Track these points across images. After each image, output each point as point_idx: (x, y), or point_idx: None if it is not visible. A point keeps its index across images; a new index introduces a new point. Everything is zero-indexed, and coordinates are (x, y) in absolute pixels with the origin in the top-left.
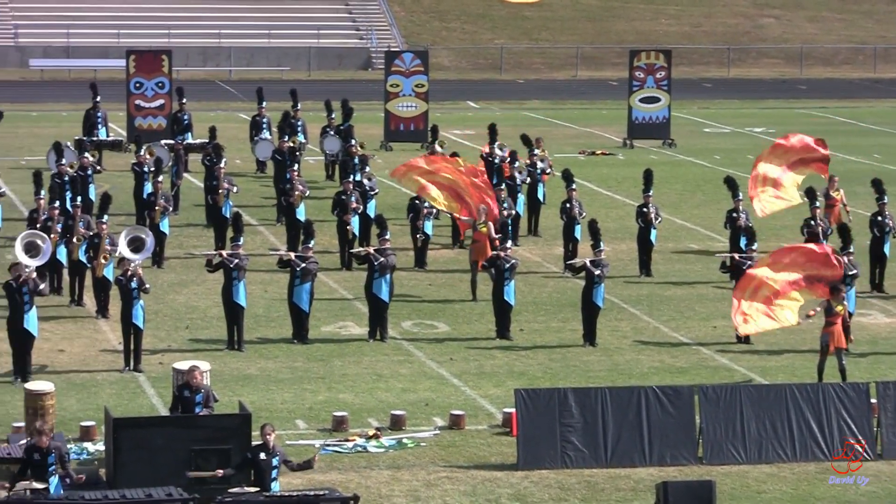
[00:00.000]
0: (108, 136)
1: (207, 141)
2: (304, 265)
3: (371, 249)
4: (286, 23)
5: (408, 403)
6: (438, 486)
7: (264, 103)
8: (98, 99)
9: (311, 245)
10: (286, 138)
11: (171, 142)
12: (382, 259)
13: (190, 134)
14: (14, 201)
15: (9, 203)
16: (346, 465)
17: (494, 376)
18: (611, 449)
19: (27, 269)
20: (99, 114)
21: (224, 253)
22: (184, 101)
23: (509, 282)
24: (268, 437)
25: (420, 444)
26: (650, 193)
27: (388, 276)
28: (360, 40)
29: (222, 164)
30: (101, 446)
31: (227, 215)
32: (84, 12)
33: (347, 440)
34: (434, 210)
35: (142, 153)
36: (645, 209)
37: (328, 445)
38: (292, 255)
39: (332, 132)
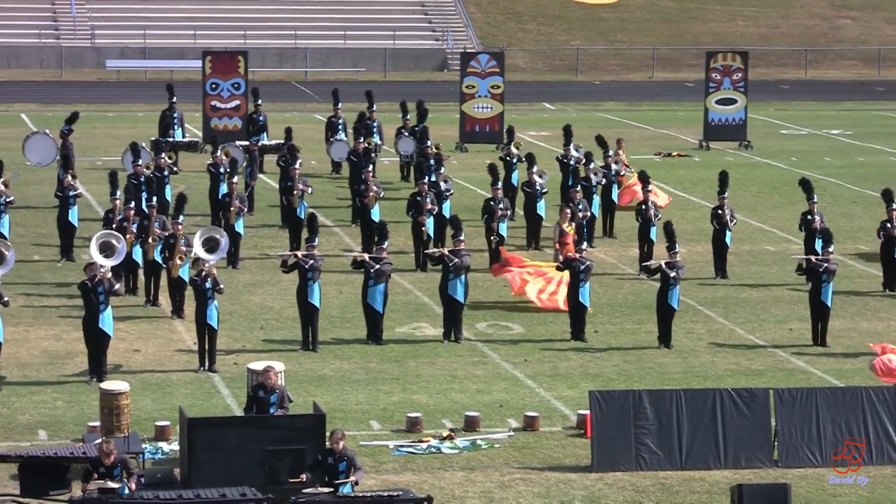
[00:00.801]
0: (183, 136)
1: (283, 142)
2: (377, 266)
3: (445, 251)
4: (362, 24)
5: (482, 405)
6: (512, 488)
7: (340, 104)
8: (174, 100)
9: (384, 246)
10: (361, 139)
11: (246, 143)
12: (457, 260)
13: (265, 135)
14: (90, 201)
15: (85, 203)
16: (420, 466)
17: (569, 378)
18: (685, 451)
19: (102, 269)
20: (175, 115)
21: (299, 254)
22: (259, 102)
23: (584, 284)
24: (336, 444)
25: (494, 446)
26: (725, 195)
27: (462, 278)
28: (436, 41)
29: (297, 166)
30: (175, 446)
31: (302, 216)
32: (161, 13)
33: (421, 441)
34: (509, 211)
35: (217, 154)
36: (720, 211)
37: (402, 446)
38: (366, 256)
39: (406, 133)
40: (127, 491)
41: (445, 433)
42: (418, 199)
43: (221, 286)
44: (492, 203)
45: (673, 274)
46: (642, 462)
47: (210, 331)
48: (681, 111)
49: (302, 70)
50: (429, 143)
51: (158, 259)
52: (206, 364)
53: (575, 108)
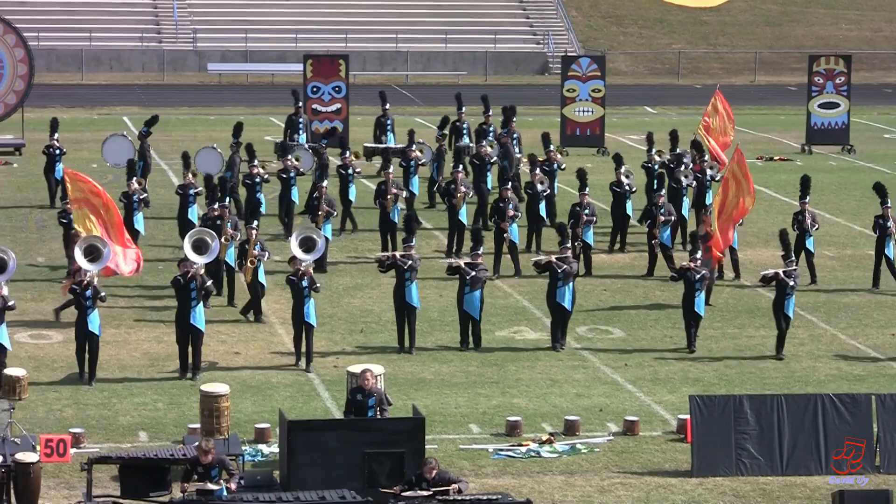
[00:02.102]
0: (307, 140)
1: (407, 145)
2: (473, 273)
3: (553, 258)
4: (463, 27)
5: (582, 409)
6: (612, 492)
7: (388, 105)
8: (300, 104)
9: (480, 252)
10: (479, 143)
11: (315, 145)
12: (566, 267)
13: (392, 137)
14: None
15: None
16: (520, 469)
17: (669, 382)
18: (786, 456)
19: (195, 266)
20: (300, 119)
21: (397, 254)
22: (387, 106)
23: (700, 293)
24: (429, 473)
25: (594, 450)
26: (807, 200)
27: (571, 285)
28: (537, 45)
29: (390, 169)
30: (275, 448)
31: (396, 220)
32: (262, 17)
33: (521, 445)
34: (594, 218)
35: (289, 159)
36: (800, 216)
37: (502, 450)
38: (462, 262)
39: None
40: (226, 493)
41: (545, 437)
42: (500, 205)
43: (318, 285)
44: (577, 208)
45: (791, 283)
46: (743, 467)
47: (308, 328)
48: (783, 115)
49: (402, 73)
50: (486, 142)
51: (230, 261)
52: (305, 363)
53: (676, 111)
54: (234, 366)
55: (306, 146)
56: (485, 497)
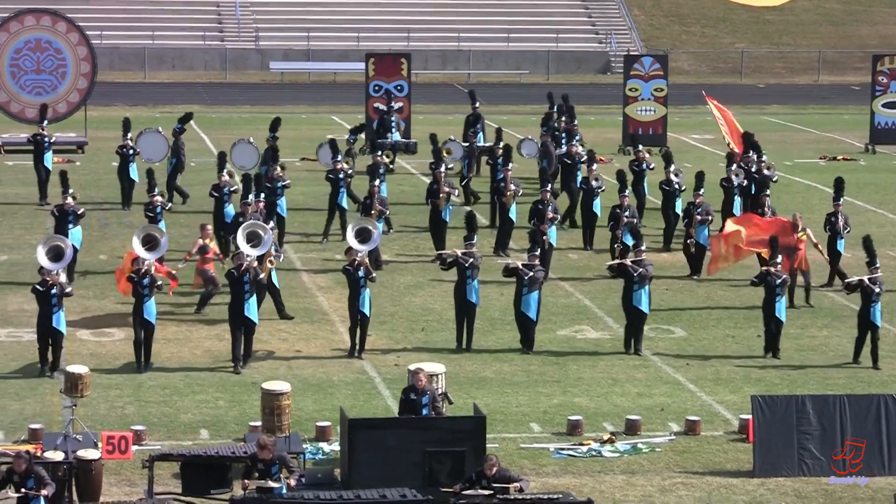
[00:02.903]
0: (402, 138)
1: (494, 143)
2: (531, 274)
3: (628, 261)
4: (525, 26)
5: (643, 408)
6: (673, 492)
7: (478, 103)
8: (393, 104)
9: (537, 253)
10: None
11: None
12: (641, 270)
13: (482, 136)
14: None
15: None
16: (581, 469)
17: (731, 382)
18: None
19: (248, 259)
20: (392, 118)
21: (458, 251)
22: (477, 104)
23: (780, 297)
24: (490, 470)
25: (655, 450)
26: (840, 202)
27: (647, 288)
28: (600, 44)
29: (442, 168)
30: (336, 446)
31: (447, 219)
32: (324, 15)
33: (582, 444)
34: (635, 220)
35: (379, 155)
36: (833, 218)
37: (562, 449)
38: (519, 264)
39: (530, 137)
40: (285, 490)
41: (606, 436)
42: (540, 207)
43: (374, 275)
44: (617, 210)
45: (877, 290)
46: (805, 468)
47: (363, 318)
48: (846, 115)
49: (465, 72)
50: (576, 142)
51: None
52: (357, 351)
53: (739, 111)
54: (295, 364)
55: (452, 138)
56: (545, 496)
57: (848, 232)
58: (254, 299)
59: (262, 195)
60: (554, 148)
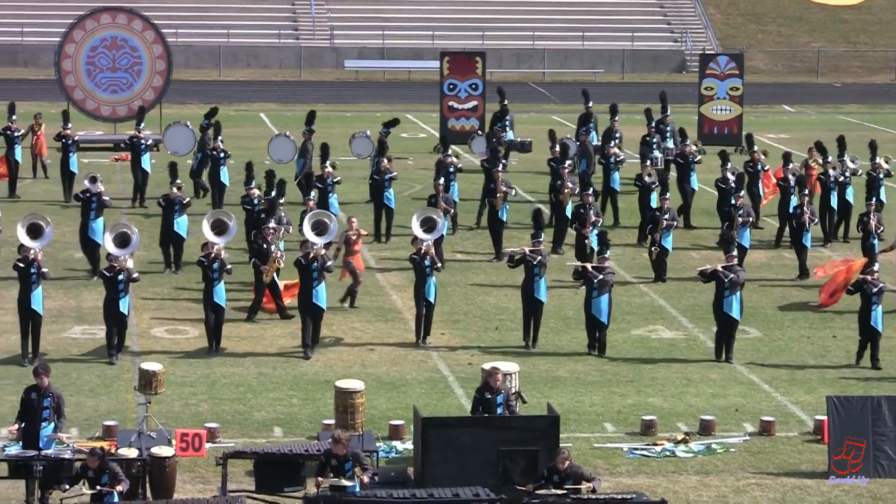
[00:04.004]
0: (516, 138)
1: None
2: (601, 276)
3: (719, 267)
4: (600, 25)
5: (717, 408)
6: (747, 493)
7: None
8: (505, 102)
9: (607, 255)
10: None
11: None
12: (732, 276)
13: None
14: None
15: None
16: (654, 469)
17: (806, 383)
18: None
19: (315, 247)
20: (507, 116)
21: (526, 249)
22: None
23: (877, 307)
24: (562, 464)
25: (729, 450)
26: (872, 202)
27: (738, 294)
28: (675, 43)
29: (499, 167)
30: (409, 445)
31: (504, 219)
32: (399, 14)
33: (656, 444)
34: (675, 223)
35: (448, 154)
36: (866, 218)
37: (636, 449)
38: (589, 266)
39: (568, 137)
40: (358, 489)
41: (680, 436)
42: (581, 210)
43: (439, 264)
44: (657, 213)
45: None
46: (880, 469)
47: (428, 306)
48: None
49: (539, 71)
50: (688, 141)
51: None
52: (422, 338)
53: (815, 110)
54: (368, 362)
55: (568, 137)
56: (619, 496)
57: (881, 232)
58: (322, 286)
59: (313, 193)
60: (593, 148)
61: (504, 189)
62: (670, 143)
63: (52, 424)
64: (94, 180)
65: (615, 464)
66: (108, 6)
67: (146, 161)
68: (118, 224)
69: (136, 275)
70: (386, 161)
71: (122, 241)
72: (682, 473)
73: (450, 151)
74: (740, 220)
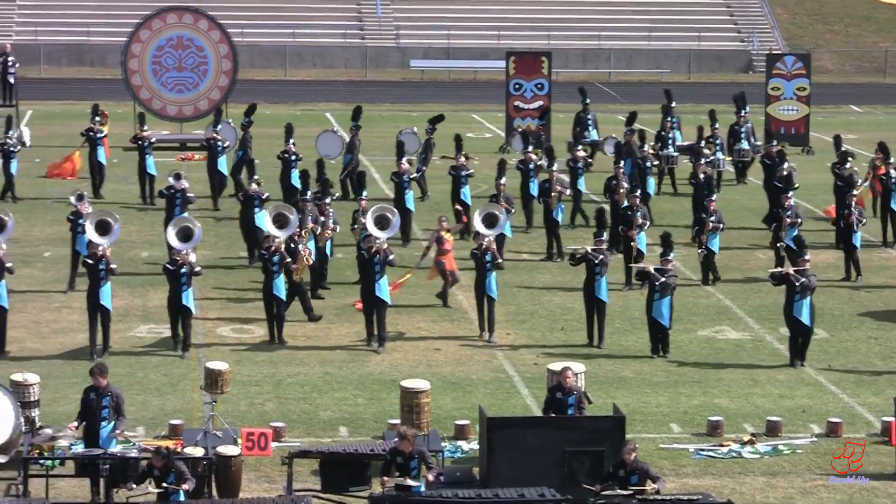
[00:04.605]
0: (599, 137)
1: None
2: (663, 279)
3: (791, 270)
4: (666, 25)
5: (784, 410)
6: (814, 494)
7: (589, 100)
8: (587, 101)
9: (670, 258)
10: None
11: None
12: (804, 280)
13: (597, 132)
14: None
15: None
16: (720, 470)
17: (874, 384)
18: None
19: (377, 241)
20: (590, 116)
21: (588, 248)
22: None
23: None
24: (628, 455)
25: (796, 451)
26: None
27: (809, 299)
28: (742, 43)
29: (555, 167)
30: (475, 445)
31: (559, 219)
32: (465, 14)
33: (722, 445)
34: (721, 226)
35: (529, 152)
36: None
37: (702, 450)
38: (651, 268)
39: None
40: (424, 487)
41: (747, 437)
42: (629, 213)
43: (500, 260)
44: (703, 216)
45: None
46: None
47: (489, 300)
48: None
49: (605, 71)
50: (774, 142)
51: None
52: (488, 333)
53: (883, 111)
54: (434, 362)
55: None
56: (685, 497)
57: (863, 224)
58: (384, 280)
59: (364, 193)
60: (639, 148)
61: (559, 189)
62: (745, 145)
63: (112, 423)
64: (178, 177)
65: (681, 465)
66: (174, 6)
67: (223, 163)
68: (181, 218)
69: (198, 268)
70: (406, 163)
71: (185, 235)
72: (748, 475)
73: (530, 148)
74: (788, 220)
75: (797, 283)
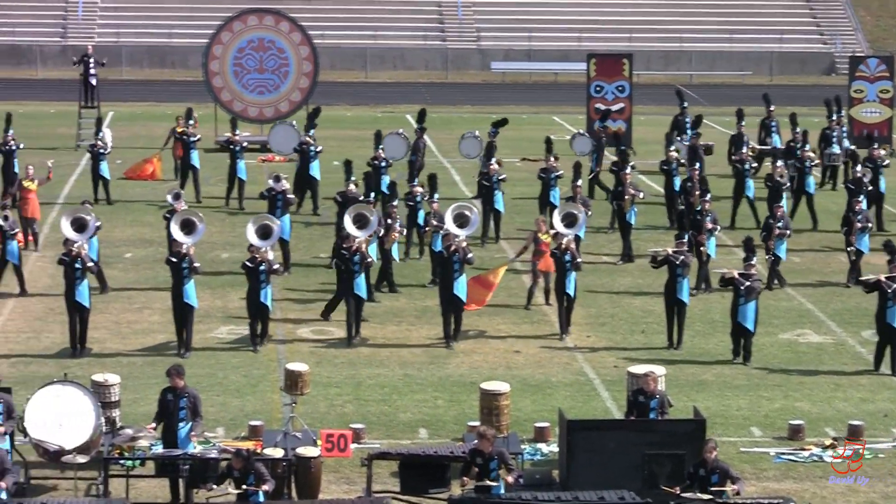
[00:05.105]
0: (781, 143)
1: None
2: (748, 283)
3: (882, 277)
4: (749, 27)
5: (866, 414)
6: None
7: (686, 104)
8: (685, 104)
9: (753, 262)
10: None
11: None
12: None
13: (778, 138)
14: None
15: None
16: (802, 474)
17: None
18: None
19: (457, 239)
20: (686, 118)
21: (669, 250)
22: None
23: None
24: (710, 454)
25: (878, 456)
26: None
27: None
28: (824, 45)
29: (628, 170)
30: (554, 447)
31: (632, 222)
32: (546, 15)
33: (803, 449)
34: (788, 232)
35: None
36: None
37: (783, 454)
38: (735, 272)
39: (679, 138)
40: (503, 490)
41: (828, 441)
42: (698, 217)
43: (579, 260)
44: (770, 221)
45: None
46: None
47: (568, 299)
48: None
49: (687, 73)
50: (875, 145)
51: (395, 255)
52: (565, 331)
53: None
54: (514, 364)
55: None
56: (766, 501)
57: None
58: (463, 277)
59: (436, 195)
60: (703, 152)
61: (632, 192)
62: (836, 149)
63: (189, 425)
64: (277, 179)
65: (762, 468)
66: (255, 8)
67: (315, 168)
68: (260, 216)
69: (276, 265)
70: (496, 164)
71: (264, 232)
72: (829, 479)
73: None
74: (859, 225)
75: (889, 290)
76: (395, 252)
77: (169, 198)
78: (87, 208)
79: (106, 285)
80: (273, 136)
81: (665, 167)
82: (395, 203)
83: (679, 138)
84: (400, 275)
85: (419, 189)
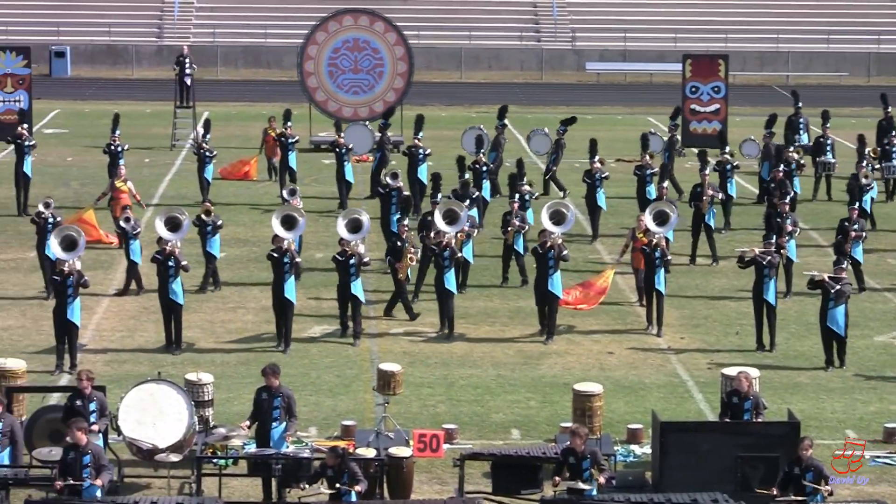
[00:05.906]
0: (809, 141)
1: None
2: (838, 287)
3: (826, 277)
4: (846, 27)
5: None
6: None
7: (801, 104)
8: (800, 105)
9: (843, 265)
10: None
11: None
12: None
13: (806, 136)
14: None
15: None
16: None
17: None
18: None
19: (552, 236)
20: (801, 119)
21: (757, 249)
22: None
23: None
24: (805, 451)
25: None
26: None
27: None
28: None
29: (707, 171)
30: (647, 449)
31: (711, 222)
32: (641, 16)
33: None
34: (864, 234)
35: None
36: (846, 222)
37: (878, 457)
38: (825, 276)
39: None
40: (595, 492)
41: None
42: (778, 220)
43: (668, 257)
44: (846, 224)
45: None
46: None
47: (658, 295)
48: None
49: (783, 74)
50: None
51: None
52: (656, 327)
53: None
54: (607, 365)
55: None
56: None
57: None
58: (558, 274)
59: (517, 196)
60: (774, 150)
61: (711, 193)
62: (805, 140)
63: (283, 424)
64: (395, 176)
65: (857, 472)
66: (350, 8)
67: (423, 172)
68: (351, 210)
69: (366, 258)
70: (599, 162)
71: (354, 226)
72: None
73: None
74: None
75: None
76: (471, 251)
77: (284, 193)
78: (180, 209)
79: (140, 286)
80: (347, 136)
81: (637, 172)
82: (467, 202)
83: (795, 138)
84: (483, 275)
85: (527, 188)
